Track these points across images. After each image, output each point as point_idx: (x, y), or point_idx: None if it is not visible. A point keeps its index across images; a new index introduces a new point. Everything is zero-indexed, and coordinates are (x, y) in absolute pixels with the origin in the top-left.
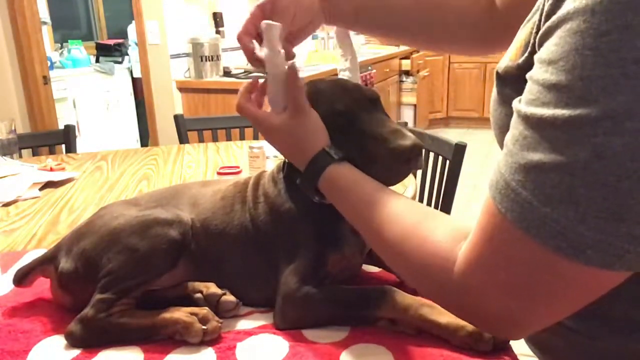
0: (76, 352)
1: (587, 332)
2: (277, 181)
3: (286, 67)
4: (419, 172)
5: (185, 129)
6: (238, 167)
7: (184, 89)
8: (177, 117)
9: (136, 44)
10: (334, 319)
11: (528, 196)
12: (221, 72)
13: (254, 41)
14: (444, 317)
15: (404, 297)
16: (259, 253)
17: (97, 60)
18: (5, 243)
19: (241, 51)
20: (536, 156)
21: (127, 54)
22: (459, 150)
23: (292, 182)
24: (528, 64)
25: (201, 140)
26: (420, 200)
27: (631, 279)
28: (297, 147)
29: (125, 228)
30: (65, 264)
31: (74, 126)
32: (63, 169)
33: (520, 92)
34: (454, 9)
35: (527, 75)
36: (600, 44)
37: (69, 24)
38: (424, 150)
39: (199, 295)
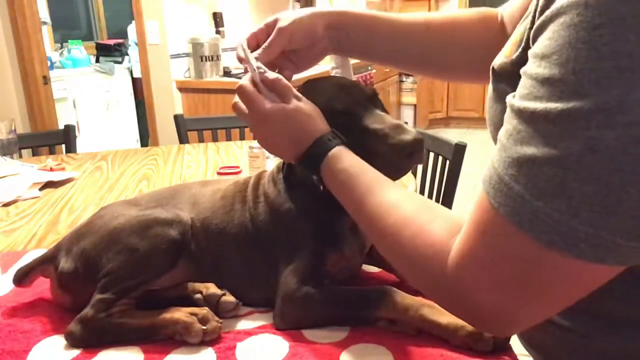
0: (76, 352)
1: (577, 329)
2: (277, 181)
3: (257, 74)
4: (419, 172)
5: (185, 129)
6: (238, 167)
7: (184, 89)
8: (177, 117)
9: (136, 44)
10: (333, 319)
11: (521, 190)
12: (221, 72)
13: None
14: (444, 317)
15: (404, 298)
16: (259, 253)
17: (97, 60)
18: (5, 243)
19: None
20: (529, 150)
21: (127, 54)
22: (459, 150)
23: (291, 182)
24: (522, 60)
25: (201, 140)
26: None
27: (622, 275)
28: (300, 131)
29: (125, 228)
30: (65, 264)
31: (74, 126)
32: (63, 169)
33: (514, 87)
34: (465, 36)
35: (521, 70)
36: (593, 37)
37: (69, 24)
38: (423, 150)
39: (198, 295)
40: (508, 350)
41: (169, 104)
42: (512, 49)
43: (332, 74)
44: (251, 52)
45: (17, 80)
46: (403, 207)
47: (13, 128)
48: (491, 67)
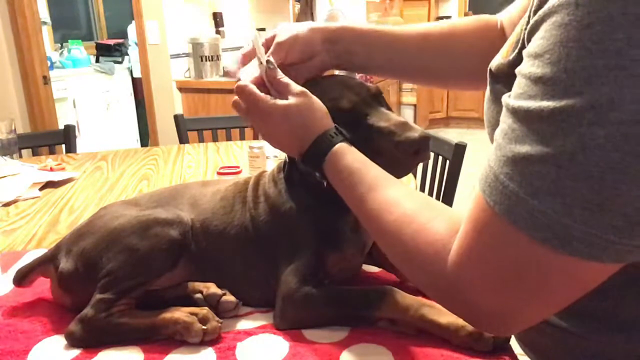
0: (76, 352)
1: (575, 330)
2: (277, 181)
3: (264, 71)
4: (419, 172)
5: (185, 129)
6: (238, 167)
7: (184, 89)
8: (177, 117)
9: (136, 44)
10: (333, 319)
11: (515, 188)
12: (221, 72)
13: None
14: (444, 317)
15: (404, 298)
16: (259, 253)
17: (97, 60)
18: (5, 243)
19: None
20: (523, 149)
21: (127, 54)
22: (459, 150)
23: (292, 182)
24: (519, 60)
25: (201, 140)
26: None
27: (618, 275)
28: (303, 127)
29: (126, 228)
30: (65, 264)
31: (74, 126)
32: (63, 169)
33: (511, 88)
34: (463, 45)
35: (516, 70)
36: (583, 36)
37: (69, 24)
38: None
39: (199, 295)
40: (508, 350)
41: (169, 104)
42: (509, 50)
43: (338, 72)
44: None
45: (17, 80)
46: (405, 204)
47: (13, 128)
48: (488, 68)
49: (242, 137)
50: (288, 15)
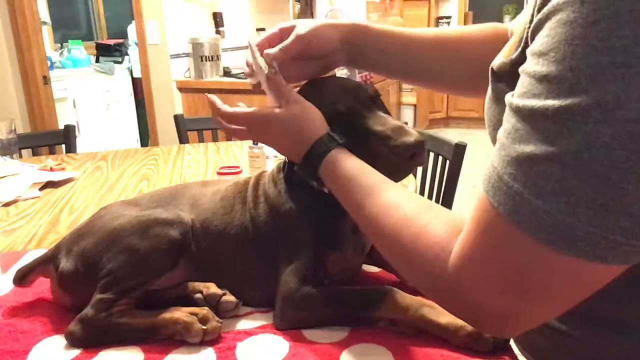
0: (76, 352)
1: (574, 333)
2: (277, 181)
3: (266, 72)
4: (419, 172)
5: (185, 129)
6: (238, 167)
7: (184, 89)
8: (177, 117)
9: (136, 44)
10: (333, 319)
11: (519, 189)
12: (221, 72)
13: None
14: (444, 317)
15: (404, 298)
16: (259, 253)
17: (97, 60)
18: (5, 243)
19: (241, 51)
20: (528, 148)
21: (127, 54)
22: (459, 150)
23: (292, 182)
24: (521, 59)
25: (201, 140)
26: None
27: (620, 278)
28: (298, 134)
29: (126, 228)
30: (65, 264)
31: (74, 126)
32: (63, 169)
33: (513, 87)
34: (479, 50)
35: (520, 69)
36: (589, 33)
37: (69, 24)
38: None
39: (199, 295)
40: (508, 350)
41: (169, 104)
42: (512, 49)
43: (338, 74)
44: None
45: (17, 80)
46: (403, 207)
47: (13, 128)
48: (490, 67)
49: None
50: (288, 15)
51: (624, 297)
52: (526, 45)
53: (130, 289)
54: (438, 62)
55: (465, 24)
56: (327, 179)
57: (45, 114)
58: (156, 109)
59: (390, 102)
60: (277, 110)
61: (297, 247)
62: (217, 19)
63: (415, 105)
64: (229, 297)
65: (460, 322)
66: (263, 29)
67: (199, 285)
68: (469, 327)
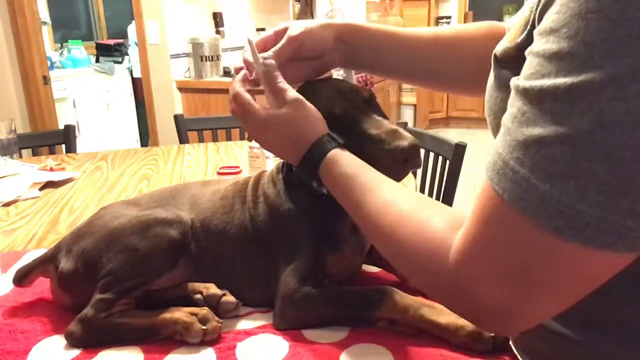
0: (76, 352)
1: (575, 337)
2: (277, 182)
3: (262, 70)
4: (419, 172)
5: (185, 129)
6: (238, 167)
7: (184, 89)
8: (177, 117)
9: (136, 44)
10: (333, 319)
11: (526, 174)
12: (221, 72)
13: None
14: (444, 317)
15: (404, 298)
16: (259, 253)
17: (97, 60)
18: (5, 243)
19: (241, 52)
20: (535, 131)
21: (127, 54)
22: (459, 150)
23: (291, 182)
24: (527, 42)
25: (201, 140)
26: None
27: (626, 281)
28: (297, 135)
29: (126, 228)
30: (65, 264)
31: (74, 126)
32: (63, 169)
33: (518, 73)
34: (476, 48)
35: (527, 51)
36: (604, 5)
37: (69, 24)
38: (423, 150)
39: (198, 295)
40: (508, 350)
41: (169, 104)
42: (517, 32)
43: (335, 76)
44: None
45: (17, 80)
46: (401, 205)
47: (13, 128)
48: (492, 54)
49: (242, 137)
50: (288, 15)
51: (627, 299)
52: (533, 28)
53: (130, 289)
54: (435, 60)
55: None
56: (326, 179)
57: (45, 114)
58: (156, 109)
59: (390, 102)
60: (275, 110)
61: (297, 247)
62: (217, 19)
63: (415, 105)
64: (229, 298)
65: (460, 322)
66: (263, 29)
67: (199, 285)
68: (469, 327)
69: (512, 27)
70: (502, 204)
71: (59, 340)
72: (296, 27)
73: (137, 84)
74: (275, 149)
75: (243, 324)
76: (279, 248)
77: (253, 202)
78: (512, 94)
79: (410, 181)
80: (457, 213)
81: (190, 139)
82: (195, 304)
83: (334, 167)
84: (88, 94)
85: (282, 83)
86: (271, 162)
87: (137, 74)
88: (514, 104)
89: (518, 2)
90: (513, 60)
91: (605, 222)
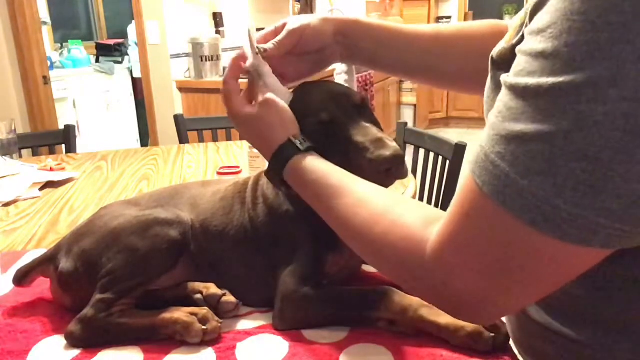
0: (76, 352)
1: (578, 337)
2: None
3: (251, 68)
4: (419, 172)
5: (185, 129)
6: (238, 167)
7: (184, 89)
8: (177, 117)
9: (136, 44)
10: (333, 320)
11: (506, 168)
12: (221, 72)
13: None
14: (443, 317)
15: (403, 298)
16: (258, 254)
17: (97, 60)
18: (5, 243)
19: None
20: (517, 127)
21: (127, 54)
22: (459, 150)
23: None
24: (521, 43)
25: (201, 140)
26: (420, 200)
27: (623, 280)
28: (265, 138)
29: (126, 228)
30: (65, 264)
31: (74, 126)
32: (63, 169)
33: None
34: (478, 45)
35: (517, 49)
36: (589, 8)
37: (69, 24)
38: (423, 150)
39: (198, 295)
40: (508, 350)
41: (169, 104)
42: (513, 34)
43: (336, 78)
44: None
45: (17, 80)
46: (372, 204)
47: (13, 128)
48: (490, 56)
49: (242, 137)
50: (288, 15)
51: (630, 299)
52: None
53: (130, 289)
54: (436, 56)
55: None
56: (293, 185)
57: (45, 114)
58: (156, 109)
59: (390, 102)
60: (247, 110)
61: (296, 247)
62: (217, 19)
63: (415, 105)
64: (229, 298)
65: (460, 322)
66: (263, 29)
67: (199, 285)
68: (469, 327)
69: (509, 28)
70: (482, 196)
71: (59, 340)
72: (295, 21)
73: (137, 84)
74: (257, 149)
75: (243, 324)
76: (279, 249)
77: (252, 203)
78: (502, 90)
79: (411, 181)
80: (430, 209)
81: (190, 139)
82: (195, 304)
83: (299, 173)
84: (88, 94)
85: (266, 78)
86: None
87: (137, 74)
88: (502, 99)
89: (518, 2)
90: (509, 62)
91: (580, 219)
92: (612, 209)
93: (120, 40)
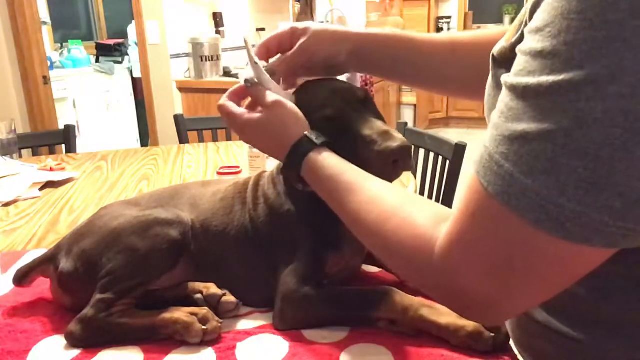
0: (76, 352)
1: (579, 337)
2: (277, 182)
3: (253, 73)
4: (419, 172)
5: (185, 129)
6: (238, 167)
7: (184, 89)
8: (177, 117)
9: (136, 44)
10: (333, 320)
11: (510, 168)
12: (221, 72)
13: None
14: (444, 317)
15: (404, 298)
16: (259, 254)
17: (97, 60)
18: (5, 243)
19: (241, 51)
20: (520, 126)
21: (127, 54)
22: (459, 150)
23: (291, 183)
24: (521, 42)
25: (201, 140)
26: None
27: (624, 281)
28: (278, 138)
29: (126, 228)
30: (65, 264)
31: (74, 126)
32: (63, 169)
33: None
34: (490, 49)
35: (517, 49)
36: (586, 6)
37: (69, 24)
38: (423, 150)
39: (199, 295)
40: (508, 350)
41: (169, 104)
42: (513, 33)
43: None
44: (264, 60)
45: (17, 80)
46: (384, 201)
47: (13, 128)
48: (491, 54)
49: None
50: (288, 15)
51: (630, 299)
52: (526, 27)
53: (130, 289)
54: (453, 67)
55: (465, 24)
56: (309, 180)
57: (45, 114)
58: (156, 109)
59: (390, 102)
60: (255, 115)
61: (297, 247)
62: (217, 19)
63: (415, 105)
64: (229, 298)
65: (460, 322)
66: (263, 29)
67: (199, 285)
68: (469, 328)
69: (510, 27)
70: (487, 197)
71: (59, 340)
72: (309, 37)
73: (137, 84)
74: (267, 152)
75: (243, 324)
76: (279, 249)
77: (253, 203)
78: (502, 90)
79: (411, 181)
80: (442, 208)
81: (190, 139)
82: (195, 304)
83: (315, 169)
84: (88, 94)
85: (267, 86)
86: (271, 162)
87: (137, 74)
88: (503, 99)
89: (518, 2)
90: (509, 60)
91: (583, 217)
92: (614, 207)
93: (120, 40)
